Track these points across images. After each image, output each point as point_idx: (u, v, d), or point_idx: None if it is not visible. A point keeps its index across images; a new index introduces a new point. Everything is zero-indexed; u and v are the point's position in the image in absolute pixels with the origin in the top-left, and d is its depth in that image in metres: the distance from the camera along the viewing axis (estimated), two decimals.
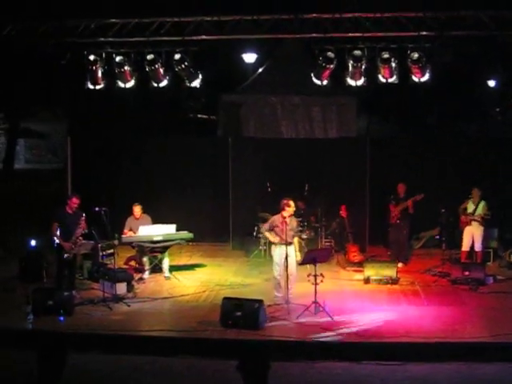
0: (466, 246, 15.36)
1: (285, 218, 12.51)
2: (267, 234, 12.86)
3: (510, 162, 17.29)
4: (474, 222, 15.23)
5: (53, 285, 13.26)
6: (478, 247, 15.30)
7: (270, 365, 5.14)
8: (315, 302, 11.94)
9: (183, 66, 14.59)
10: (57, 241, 13.03)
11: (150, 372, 9.78)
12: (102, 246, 14.49)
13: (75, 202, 13.01)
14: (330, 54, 14.14)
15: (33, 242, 15.04)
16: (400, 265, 15.23)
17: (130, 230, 14.70)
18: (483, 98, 21.51)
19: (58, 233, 13.01)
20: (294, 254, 12.70)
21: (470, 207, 15.32)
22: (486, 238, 15.60)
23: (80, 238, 13.05)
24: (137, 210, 14.89)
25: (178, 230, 14.83)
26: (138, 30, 14.37)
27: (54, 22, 14.41)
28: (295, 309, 12.04)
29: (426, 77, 14.21)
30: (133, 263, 15.33)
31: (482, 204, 15.19)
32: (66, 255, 12.88)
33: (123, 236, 14.40)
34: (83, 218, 12.98)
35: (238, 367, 5.10)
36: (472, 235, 15.31)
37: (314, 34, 14.33)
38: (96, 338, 10.84)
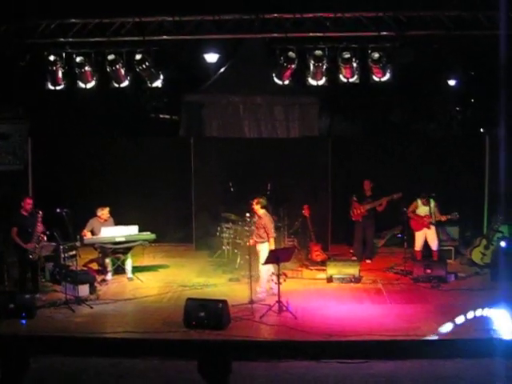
0: (419, 246, 15.45)
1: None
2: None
3: (470, 159, 17.48)
4: (431, 226, 15.32)
5: (15, 288, 13.15)
6: (435, 247, 15.40)
7: (231, 365, 5.13)
8: (279, 302, 11.99)
9: (144, 66, 14.53)
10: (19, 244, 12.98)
11: (114, 374, 9.74)
12: (64, 247, 14.32)
13: (29, 202, 13.20)
14: (291, 54, 14.19)
15: None
16: (368, 261, 15.78)
17: (92, 231, 14.59)
18: (444, 97, 21.74)
19: (18, 237, 12.99)
20: (260, 254, 12.86)
21: (422, 210, 15.31)
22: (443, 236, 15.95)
23: (42, 235, 13.05)
24: (105, 212, 14.77)
25: (140, 230, 14.76)
26: (98, 30, 14.25)
27: (14, 22, 14.26)
28: (259, 308, 12.08)
29: (387, 76, 14.32)
30: (94, 265, 15.22)
31: (432, 204, 15.22)
32: (31, 256, 12.89)
33: (85, 238, 14.30)
34: (40, 216, 12.99)
35: (199, 369, 5.10)
36: (425, 236, 15.40)
37: (275, 34, 14.35)
38: (59, 341, 10.77)
